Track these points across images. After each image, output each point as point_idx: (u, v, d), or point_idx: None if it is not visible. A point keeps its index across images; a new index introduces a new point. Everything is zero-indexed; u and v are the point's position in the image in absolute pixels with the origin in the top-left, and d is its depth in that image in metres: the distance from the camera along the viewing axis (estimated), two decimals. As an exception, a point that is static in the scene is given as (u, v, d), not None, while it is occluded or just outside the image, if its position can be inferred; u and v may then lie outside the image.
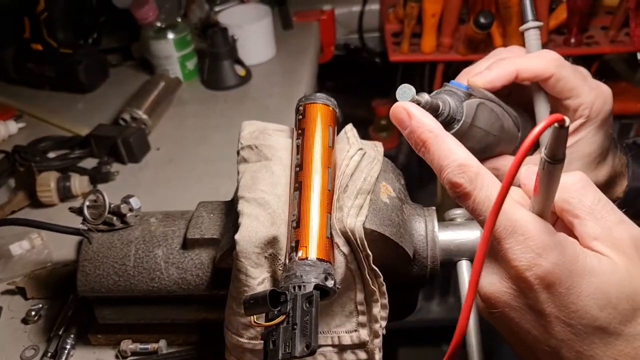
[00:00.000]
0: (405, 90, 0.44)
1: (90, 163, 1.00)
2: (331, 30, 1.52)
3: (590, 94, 0.55)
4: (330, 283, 0.48)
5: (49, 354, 0.66)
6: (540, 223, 0.40)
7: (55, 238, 0.81)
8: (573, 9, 1.36)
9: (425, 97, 0.45)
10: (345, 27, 1.60)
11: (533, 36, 0.57)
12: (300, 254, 0.49)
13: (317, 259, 0.49)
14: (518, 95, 0.58)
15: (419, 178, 1.75)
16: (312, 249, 0.49)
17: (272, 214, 0.52)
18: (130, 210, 0.63)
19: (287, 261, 0.50)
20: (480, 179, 0.40)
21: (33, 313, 0.72)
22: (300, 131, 0.56)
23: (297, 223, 0.51)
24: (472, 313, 0.56)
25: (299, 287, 0.46)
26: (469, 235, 0.60)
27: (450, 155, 0.41)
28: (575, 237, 0.40)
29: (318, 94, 0.58)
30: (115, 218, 0.63)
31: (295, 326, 0.44)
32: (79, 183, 0.91)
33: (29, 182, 0.90)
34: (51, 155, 1.02)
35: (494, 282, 0.41)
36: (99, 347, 0.67)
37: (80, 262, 0.61)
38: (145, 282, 0.60)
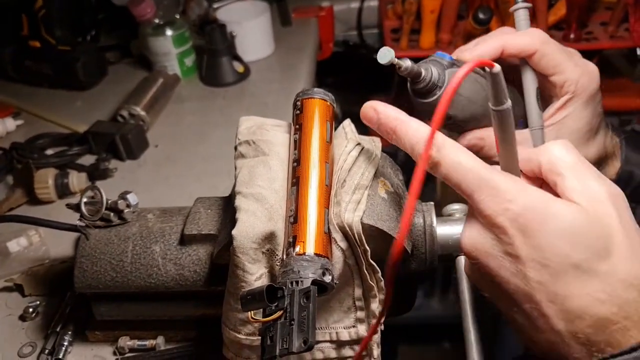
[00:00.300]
0: (385, 53, 0.47)
1: (88, 160, 1.00)
2: (330, 27, 1.52)
3: (576, 71, 0.57)
4: (327, 278, 0.47)
5: (47, 350, 0.66)
6: (508, 175, 0.43)
7: (53, 235, 0.80)
8: (572, 5, 1.36)
9: (406, 62, 0.46)
10: (344, 23, 1.60)
11: (522, 16, 0.59)
12: (297, 249, 0.49)
13: (315, 254, 0.48)
14: (511, 75, 0.59)
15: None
16: (310, 244, 0.49)
17: (269, 209, 0.52)
18: (128, 206, 0.63)
19: (284, 256, 0.50)
20: (446, 148, 0.44)
21: (31, 310, 0.71)
22: (297, 126, 0.56)
23: (295, 218, 0.50)
24: (470, 311, 0.56)
25: (297, 282, 0.46)
26: (468, 230, 0.59)
27: (417, 133, 0.45)
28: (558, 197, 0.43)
29: (316, 89, 0.58)
30: (112, 214, 0.62)
31: (292, 322, 0.43)
32: (77, 180, 0.91)
33: (26, 179, 0.90)
34: (49, 152, 1.01)
35: (472, 235, 0.45)
36: (97, 344, 0.67)
37: (78, 259, 0.61)
38: (143, 278, 0.60)
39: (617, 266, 0.40)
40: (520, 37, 0.57)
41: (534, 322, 0.43)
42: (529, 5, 0.59)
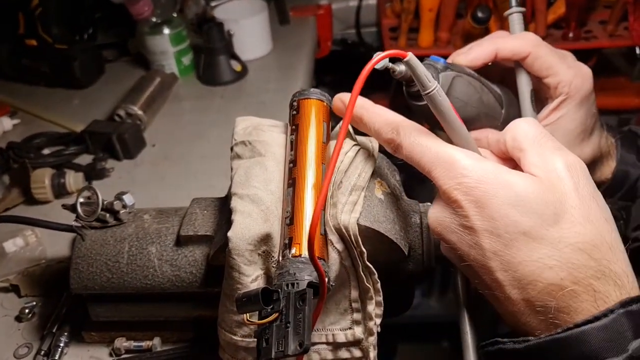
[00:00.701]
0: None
1: (85, 159, 1.00)
2: (328, 25, 1.51)
3: (569, 72, 0.59)
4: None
5: (43, 351, 0.66)
6: (464, 151, 0.45)
7: (50, 235, 0.80)
8: (571, 3, 1.36)
9: (400, 66, 0.47)
10: (342, 22, 1.59)
11: (516, 20, 0.61)
12: (293, 251, 0.48)
13: (311, 256, 0.48)
14: (507, 77, 0.62)
15: (416, 173, 1.74)
16: (306, 246, 0.49)
17: (265, 210, 0.52)
18: (124, 207, 0.63)
19: (280, 258, 0.49)
20: (405, 130, 0.47)
21: (27, 311, 0.71)
22: (294, 127, 0.56)
23: (291, 220, 0.50)
24: (467, 312, 0.55)
25: (292, 284, 0.45)
26: (465, 231, 0.59)
27: (380, 119, 0.50)
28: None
29: (312, 89, 0.57)
30: (108, 215, 0.62)
31: (288, 324, 0.43)
32: (73, 180, 0.90)
33: (23, 179, 0.90)
34: (46, 151, 1.01)
35: (436, 212, 0.47)
36: (93, 345, 0.67)
37: (73, 260, 0.61)
38: (139, 279, 0.60)
39: (567, 231, 0.41)
40: (513, 40, 0.59)
41: (494, 293, 0.44)
42: (523, 9, 0.62)
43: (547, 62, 0.58)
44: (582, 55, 1.60)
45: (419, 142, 0.47)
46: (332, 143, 0.57)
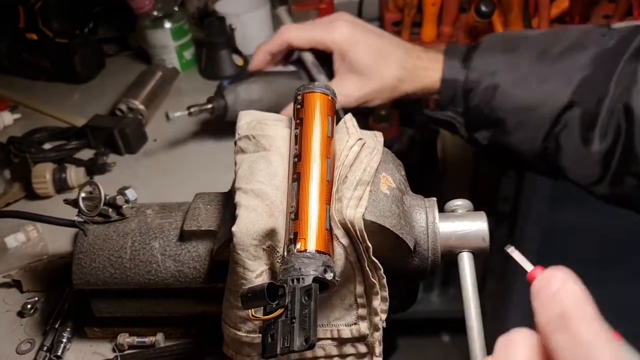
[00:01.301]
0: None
1: (86, 154, 0.99)
2: (330, 20, 1.50)
3: (324, 34, 0.86)
4: (329, 276, 0.47)
5: (45, 347, 0.65)
6: None
7: (51, 230, 0.80)
8: (575, -3, 1.35)
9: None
10: (344, 16, 1.59)
11: (284, 14, 1.04)
12: (298, 246, 0.48)
13: (316, 251, 0.48)
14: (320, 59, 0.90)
15: (420, 168, 1.74)
16: (311, 241, 0.48)
17: (270, 205, 0.51)
18: (127, 201, 0.62)
19: (285, 253, 0.49)
20: None
21: (29, 306, 0.71)
22: (298, 121, 0.55)
23: (296, 215, 0.50)
24: (474, 308, 0.55)
25: (298, 279, 0.45)
26: (471, 226, 0.59)
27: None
28: None
29: (317, 83, 0.57)
30: (111, 210, 0.62)
31: (293, 320, 0.43)
32: (75, 174, 0.90)
33: (24, 174, 0.89)
34: (47, 146, 1.00)
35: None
36: (96, 341, 0.66)
37: (76, 255, 0.60)
38: (142, 274, 0.59)
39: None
40: (281, 36, 0.89)
41: None
42: (286, 7, 1.06)
43: (306, 36, 0.87)
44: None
45: None
46: (337, 137, 0.57)
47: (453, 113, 0.85)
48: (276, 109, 0.89)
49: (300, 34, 0.87)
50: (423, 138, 1.68)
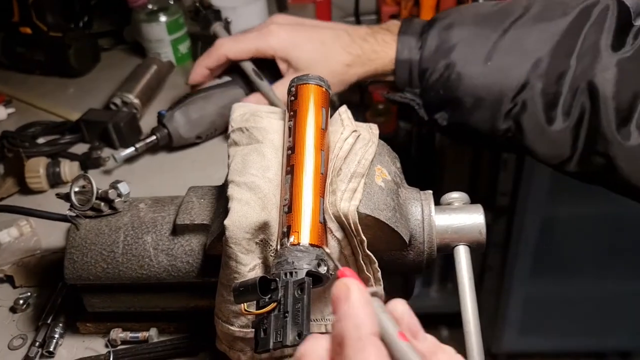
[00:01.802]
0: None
1: (81, 148, 0.98)
2: (327, 13, 1.49)
3: (260, 43, 0.88)
4: (323, 269, 0.46)
5: (37, 343, 0.64)
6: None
7: (45, 225, 0.79)
8: None
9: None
10: (341, 9, 1.58)
11: (220, 29, 1.04)
12: (292, 239, 0.47)
13: (310, 244, 0.47)
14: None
15: (416, 161, 1.73)
16: (305, 235, 0.48)
17: (263, 198, 0.51)
18: (119, 195, 0.61)
19: (278, 247, 0.48)
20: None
21: (21, 302, 0.70)
22: (292, 113, 0.54)
23: (289, 208, 0.49)
24: (470, 302, 0.55)
25: (291, 273, 0.44)
26: (467, 219, 0.58)
27: None
28: None
29: (311, 75, 0.56)
30: (103, 204, 0.61)
31: (286, 314, 0.42)
32: (69, 169, 0.89)
33: (17, 169, 0.88)
34: (41, 140, 0.99)
35: None
36: (89, 336, 0.66)
37: (68, 250, 0.60)
38: (134, 269, 0.59)
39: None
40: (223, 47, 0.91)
41: None
42: (222, 22, 1.06)
43: (243, 48, 0.88)
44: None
45: None
46: (332, 129, 0.56)
47: (411, 95, 0.83)
48: (219, 122, 0.93)
49: (237, 45, 0.88)
50: (421, 131, 1.67)
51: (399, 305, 0.35)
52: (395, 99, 0.85)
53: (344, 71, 0.84)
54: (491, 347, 1.80)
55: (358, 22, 1.59)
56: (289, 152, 0.52)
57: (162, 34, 1.19)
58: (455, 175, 1.70)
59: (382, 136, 0.60)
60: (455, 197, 0.61)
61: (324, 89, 0.56)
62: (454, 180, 1.70)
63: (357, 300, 0.33)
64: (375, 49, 0.84)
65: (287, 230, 0.48)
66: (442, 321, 1.96)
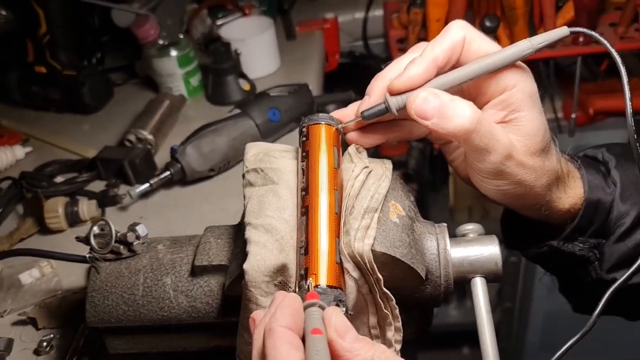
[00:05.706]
0: None
1: (97, 186, 1.00)
2: (335, 39, 1.51)
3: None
4: (342, 310, 0.46)
5: (61, 386, 0.65)
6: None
7: (65, 265, 0.80)
8: (580, 7, 1.34)
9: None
10: (349, 34, 1.59)
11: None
12: (310, 281, 0.48)
13: (328, 286, 0.48)
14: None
15: (431, 182, 1.74)
16: (322, 276, 0.48)
17: (280, 240, 0.51)
18: (137, 237, 0.62)
19: (297, 289, 0.49)
20: None
21: (45, 344, 0.71)
22: (304, 153, 0.55)
23: (306, 250, 0.49)
24: (489, 332, 0.55)
25: (310, 316, 0.45)
26: (482, 251, 0.58)
27: None
28: None
29: (321, 114, 0.57)
30: (122, 247, 0.62)
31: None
32: (87, 207, 0.90)
33: (36, 209, 0.90)
34: (59, 179, 1.01)
35: None
36: (112, 377, 0.66)
37: (89, 293, 0.61)
38: (155, 311, 0.59)
39: None
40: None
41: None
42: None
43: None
44: (593, 59, 1.58)
45: None
46: (344, 167, 0.57)
47: (587, 245, 0.62)
48: (231, 154, 0.97)
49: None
50: (433, 152, 1.68)
51: (329, 311, 0.43)
52: (572, 250, 0.63)
53: (543, 183, 0.57)
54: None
55: (366, 46, 1.60)
56: (303, 193, 0.53)
57: (173, 69, 1.21)
58: (468, 193, 1.70)
59: (395, 157, 0.60)
60: (470, 228, 0.61)
61: (334, 128, 0.56)
62: (467, 198, 1.69)
63: (282, 303, 0.42)
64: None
65: (305, 272, 0.48)
66: (462, 339, 1.95)
